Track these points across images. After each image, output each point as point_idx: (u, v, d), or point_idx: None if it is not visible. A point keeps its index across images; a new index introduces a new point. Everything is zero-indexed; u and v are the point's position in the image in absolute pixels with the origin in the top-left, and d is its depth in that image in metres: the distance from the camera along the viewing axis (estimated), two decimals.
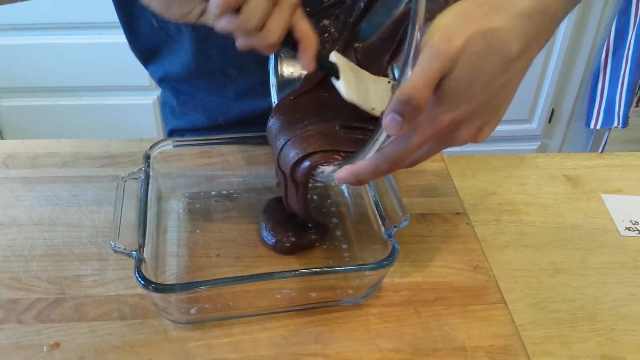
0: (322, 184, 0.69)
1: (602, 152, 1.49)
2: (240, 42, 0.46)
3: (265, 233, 0.62)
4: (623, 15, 1.66)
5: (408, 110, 0.41)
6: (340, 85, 0.52)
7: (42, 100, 1.71)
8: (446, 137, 0.46)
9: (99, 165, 0.72)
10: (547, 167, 0.78)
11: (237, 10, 0.43)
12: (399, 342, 0.53)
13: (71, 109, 1.72)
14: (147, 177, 0.60)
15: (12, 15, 1.55)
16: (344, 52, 0.61)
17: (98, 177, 0.70)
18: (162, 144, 0.65)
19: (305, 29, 0.47)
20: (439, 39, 0.41)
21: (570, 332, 0.56)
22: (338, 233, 0.64)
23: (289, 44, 0.48)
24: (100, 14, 1.54)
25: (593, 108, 1.83)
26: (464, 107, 0.43)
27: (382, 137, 0.44)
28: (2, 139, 1.75)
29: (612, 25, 1.69)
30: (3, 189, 0.68)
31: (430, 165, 0.74)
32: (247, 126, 0.66)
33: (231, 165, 0.69)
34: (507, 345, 0.53)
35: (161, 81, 0.80)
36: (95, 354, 0.51)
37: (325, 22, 0.62)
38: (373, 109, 0.54)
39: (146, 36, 0.74)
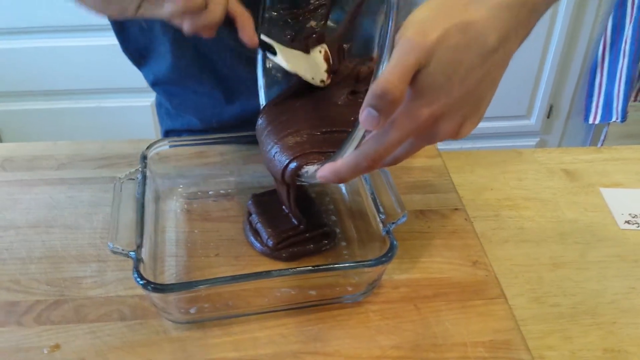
0: (318, 184, 0.69)
1: (601, 147, 1.48)
2: (187, 25, 0.50)
3: (252, 239, 0.62)
4: (620, 9, 1.66)
5: (383, 104, 0.40)
6: (280, 59, 0.57)
7: (39, 104, 1.71)
8: (426, 133, 0.45)
9: (95, 166, 0.72)
10: (545, 162, 0.77)
11: None
12: (399, 338, 0.53)
13: (68, 112, 1.72)
14: (144, 177, 0.60)
15: (8, 19, 1.55)
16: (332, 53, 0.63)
17: (95, 178, 0.70)
18: (158, 145, 0.65)
19: (238, 8, 0.52)
20: (414, 32, 0.41)
21: (571, 326, 0.56)
22: (337, 230, 0.64)
23: (227, 24, 0.52)
24: (96, 17, 1.54)
25: (591, 103, 1.82)
26: (442, 101, 0.43)
27: (360, 133, 0.43)
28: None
29: (608, 19, 1.68)
30: (0, 192, 0.68)
31: (428, 161, 0.74)
32: (240, 129, 0.66)
33: (228, 164, 0.69)
34: (508, 340, 0.53)
35: (154, 84, 0.80)
36: (95, 355, 0.51)
37: (312, 23, 0.62)
38: (312, 78, 0.58)
39: (135, 38, 0.73)
